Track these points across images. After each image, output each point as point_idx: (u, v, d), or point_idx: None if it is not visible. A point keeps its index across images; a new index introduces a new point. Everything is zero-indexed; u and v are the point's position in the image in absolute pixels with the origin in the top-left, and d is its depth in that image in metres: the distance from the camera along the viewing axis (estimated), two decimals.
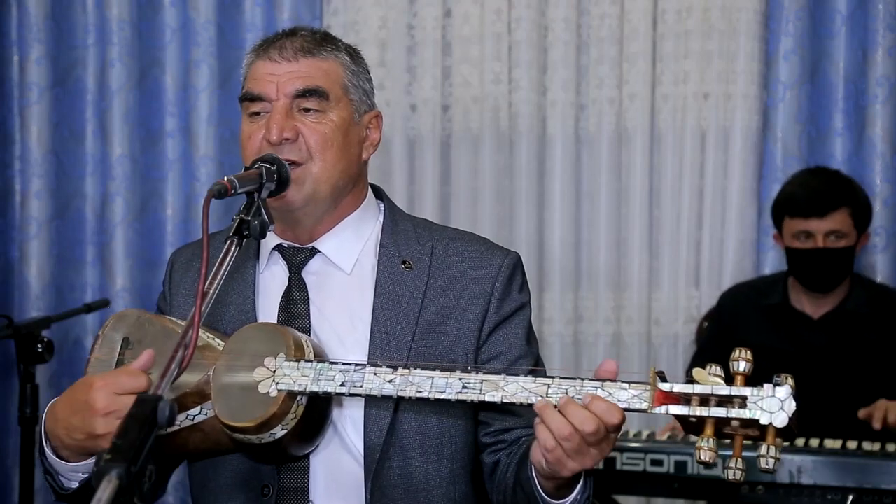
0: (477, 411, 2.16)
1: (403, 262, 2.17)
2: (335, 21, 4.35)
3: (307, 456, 2.06)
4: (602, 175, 4.22)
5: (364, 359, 2.09)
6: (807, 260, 3.58)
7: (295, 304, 2.14)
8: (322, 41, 2.16)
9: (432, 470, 2.12)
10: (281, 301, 2.15)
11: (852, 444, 3.30)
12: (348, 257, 2.18)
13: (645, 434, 3.46)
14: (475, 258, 2.19)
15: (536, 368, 2.13)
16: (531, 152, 4.24)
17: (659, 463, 3.34)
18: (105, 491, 1.38)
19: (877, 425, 3.37)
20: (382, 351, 2.10)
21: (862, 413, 3.42)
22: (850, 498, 3.18)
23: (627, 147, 4.21)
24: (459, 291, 2.16)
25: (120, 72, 4.37)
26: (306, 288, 2.16)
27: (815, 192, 3.58)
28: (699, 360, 3.76)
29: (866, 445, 3.29)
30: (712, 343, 3.78)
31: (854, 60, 4.01)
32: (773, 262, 4.09)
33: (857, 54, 4.01)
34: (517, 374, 1.88)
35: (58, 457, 1.94)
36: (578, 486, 1.93)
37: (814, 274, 3.60)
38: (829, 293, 3.64)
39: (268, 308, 2.16)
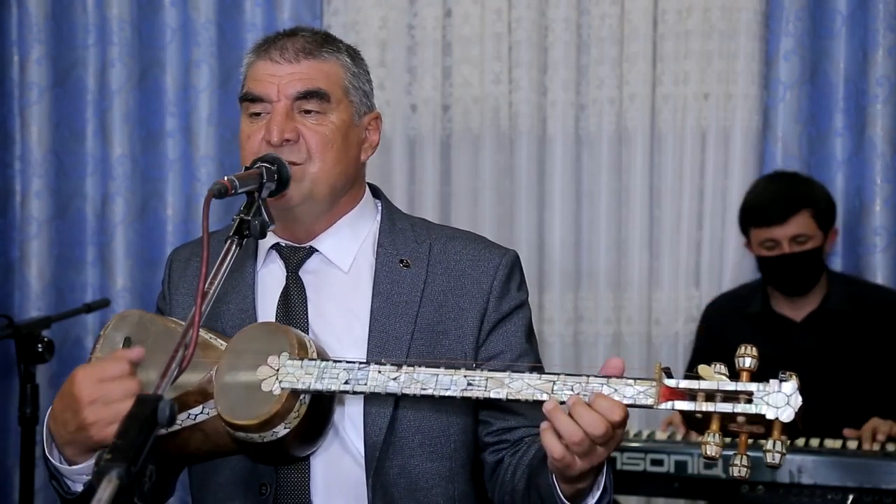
0: (478, 410, 2.15)
1: (401, 261, 2.17)
2: (335, 21, 4.35)
3: (308, 457, 2.06)
4: (602, 175, 4.22)
5: (362, 359, 2.08)
6: (777, 267, 3.60)
7: (292, 304, 2.13)
8: (323, 42, 2.15)
9: (431, 468, 2.11)
10: (279, 301, 2.15)
11: (852, 444, 3.30)
12: (346, 256, 2.18)
13: (645, 434, 3.46)
14: (473, 257, 2.18)
15: (537, 365, 2.12)
16: (531, 152, 4.24)
17: (659, 463, 3.34)
18: (105, 491, 1.39)
19: (866, 445, 3.32)
20: (381, 350, 2.09)
21: (849, 433, 3.37)
22: (851, 498, 3.18)
23: (627, 147, 4.21)
24: (458, 290, 2.16)
25: (120, 72, 4.37)
26: (304, 287, 2.15)
27: (773, 198, 3.59)
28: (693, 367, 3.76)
29: (866, 445, 3.30)
30: (703, 356, 3.77)
31: (854, 60, 4.00)
32: None
33: (857, 54, 4.00)
34: (521, 372, 1.86)
35: (63, 457, 1.94)
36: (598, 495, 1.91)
37: (786, 279, 3.62)
38: (807, 295, 3.65)
39: (266, 307, 2.16)
